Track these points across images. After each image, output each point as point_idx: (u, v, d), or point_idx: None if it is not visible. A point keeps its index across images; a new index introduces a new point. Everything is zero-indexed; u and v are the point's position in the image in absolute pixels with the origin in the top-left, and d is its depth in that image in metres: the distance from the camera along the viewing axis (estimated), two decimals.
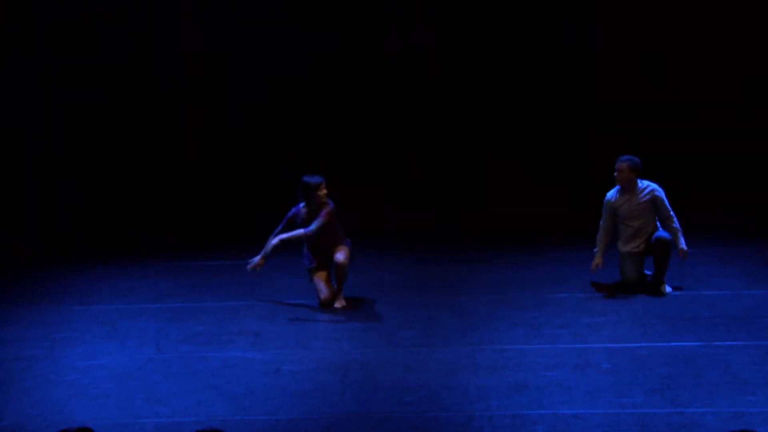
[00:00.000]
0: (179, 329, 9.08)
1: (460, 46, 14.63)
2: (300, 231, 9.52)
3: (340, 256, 9.47)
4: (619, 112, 14.25)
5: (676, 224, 9.60)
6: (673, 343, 8.20)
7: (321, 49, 14.69)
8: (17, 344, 8.75)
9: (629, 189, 9.69)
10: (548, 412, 6.93)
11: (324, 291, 9.60)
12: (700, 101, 14.07)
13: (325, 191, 9.61)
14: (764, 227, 12.11)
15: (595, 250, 9.77)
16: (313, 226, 9.48)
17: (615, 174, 9.67)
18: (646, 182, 9.73)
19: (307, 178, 9.66)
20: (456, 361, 8.03)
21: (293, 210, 9.77)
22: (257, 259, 9.73)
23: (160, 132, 14.51)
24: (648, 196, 9.66)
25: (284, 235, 9.55)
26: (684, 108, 14.14)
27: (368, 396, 7.43)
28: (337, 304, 9.53)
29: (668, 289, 9.59)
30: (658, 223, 9.67)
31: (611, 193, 9.80)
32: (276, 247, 9.63)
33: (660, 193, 9.68)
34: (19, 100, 14.27)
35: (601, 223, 9.89)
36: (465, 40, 14.59)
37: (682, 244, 9.61)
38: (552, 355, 8.04)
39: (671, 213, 9.63)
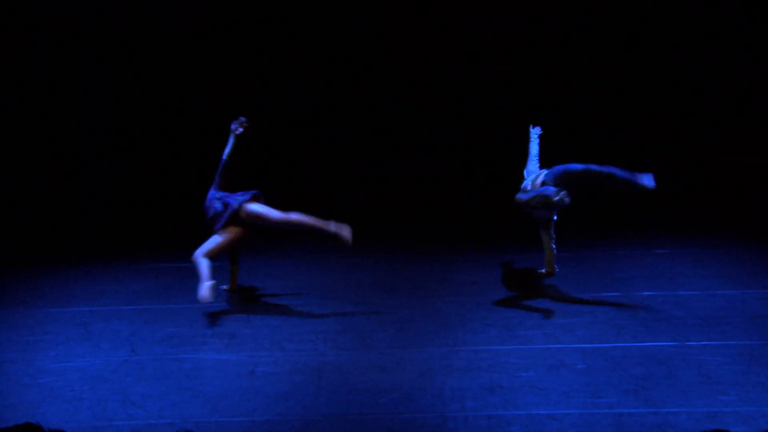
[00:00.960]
0: (153, 331, 9.05)
1: None
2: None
3: None
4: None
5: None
6: (647, 344, 8.24)
7: None
8: None
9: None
10: (523, 413, 6.95)
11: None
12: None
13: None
14: (737, 227, 12.19)
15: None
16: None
17: None
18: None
19: None
20: (430, 362, 8.04)
21: None
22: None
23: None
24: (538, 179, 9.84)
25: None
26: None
27: (343, 397, 7.43)
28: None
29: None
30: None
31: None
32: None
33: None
34: None
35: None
36: None
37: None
38: (526, 356, 8.06)
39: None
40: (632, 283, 10.00)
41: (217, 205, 9.73)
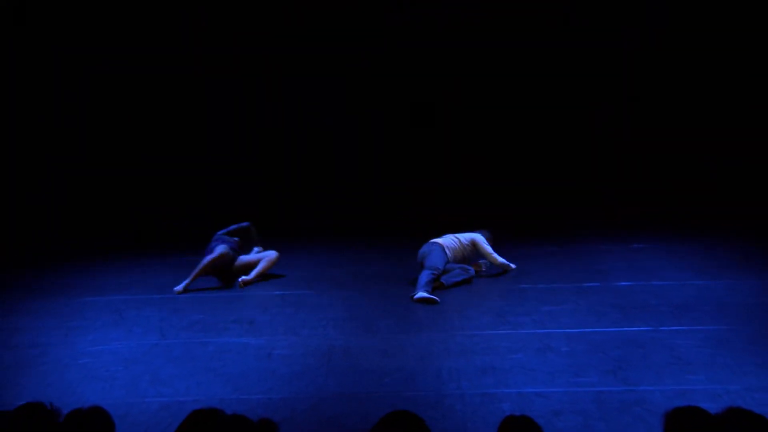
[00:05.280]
0: (180, 318, 9.09)
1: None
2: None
3: None
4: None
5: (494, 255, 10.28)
6: (624, 329, 8.25)
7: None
8: (34, 332, 8.74)
9: None
10: (513, 391, 6.95)
11: None
12: None
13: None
14: (705, 224, 12.23)
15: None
16: None
17: None
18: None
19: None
20: (429, 346, 8.05)
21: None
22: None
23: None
24: (469, 242, 10.26)
25: None
26: None
27: (350, 378, 7.43)
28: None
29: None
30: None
31: None
32: None
33: (478, 239, 10.27)
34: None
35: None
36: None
37: (499, 260, 10.31)
38: (516, 340, 8.07)
39: (490, 251, 10.25)
40: (612, 274, 10.02)
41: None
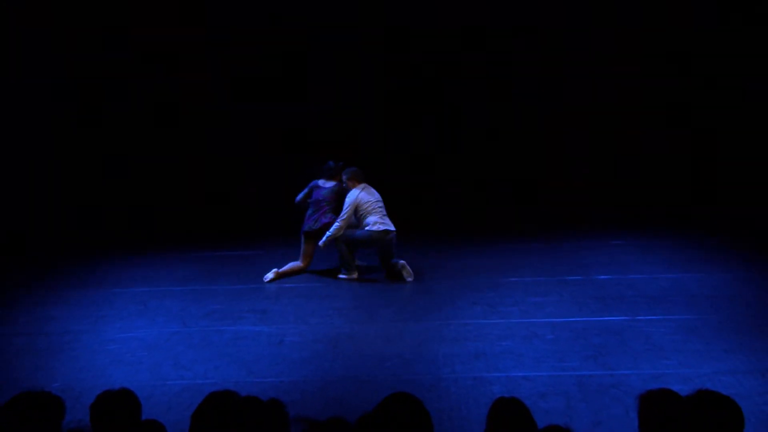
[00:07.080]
0: (199, 307, 9.09)
1: None
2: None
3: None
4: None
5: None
6: (604, 318, 8.25)
7: None
8: (66, 321, 8.74)
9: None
10: (502, 375, 6.97)
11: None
12: None
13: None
14: (677, 223, 12.22)
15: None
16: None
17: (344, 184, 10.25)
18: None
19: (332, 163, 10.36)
20: (426, 333, 8.06)
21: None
22: None
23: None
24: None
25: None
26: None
27: (354, 362, 7.44)
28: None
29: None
30: None
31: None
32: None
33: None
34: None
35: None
36: None
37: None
38: (505, 328, 8.08)
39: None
40: (592, 268, 10.03)
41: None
